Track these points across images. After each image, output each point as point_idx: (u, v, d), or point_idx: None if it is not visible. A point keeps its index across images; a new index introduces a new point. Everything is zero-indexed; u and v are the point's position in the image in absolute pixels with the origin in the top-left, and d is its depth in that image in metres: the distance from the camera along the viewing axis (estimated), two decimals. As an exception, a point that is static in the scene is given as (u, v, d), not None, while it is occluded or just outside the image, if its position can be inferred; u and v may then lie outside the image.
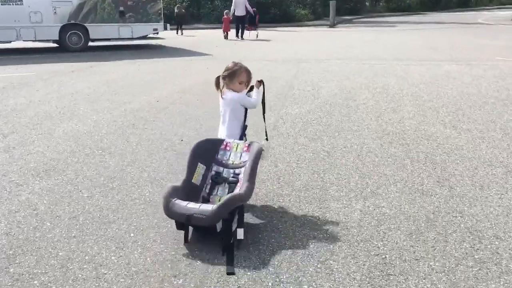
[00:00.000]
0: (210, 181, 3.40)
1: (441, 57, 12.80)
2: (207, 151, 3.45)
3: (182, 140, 5.63)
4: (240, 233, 3.06)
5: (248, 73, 3.67)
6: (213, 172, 3.43)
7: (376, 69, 10.78)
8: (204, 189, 3.37)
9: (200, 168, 3.35)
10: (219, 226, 2.98)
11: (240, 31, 20.15)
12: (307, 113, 6.94)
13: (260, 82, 3.77)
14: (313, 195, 4.03)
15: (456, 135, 5.75)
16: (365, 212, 3.72)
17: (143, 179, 4.45)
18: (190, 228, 3.16)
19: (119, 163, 4.87)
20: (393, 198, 3.97)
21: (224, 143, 3.52)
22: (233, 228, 3.05)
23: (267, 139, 4.09)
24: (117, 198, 4.01)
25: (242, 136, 3.71)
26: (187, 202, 3.02)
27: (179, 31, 22.48)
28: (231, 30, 20.29)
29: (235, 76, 3.62)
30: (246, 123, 3.75)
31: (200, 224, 2.97)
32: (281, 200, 3.93)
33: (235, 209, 3.01)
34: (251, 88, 3.80)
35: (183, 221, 2.98)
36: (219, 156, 3.48)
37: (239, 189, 3.19)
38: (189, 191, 3.23)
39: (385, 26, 26.95)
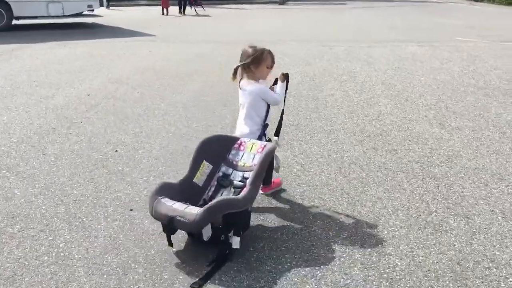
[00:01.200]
0: (216, 182, 2.97)
1: (402, 37, 11.99)
2: (217, 149, 3.02)
3: (116, 151, 4.36)
4: (236, 242, 2.62)
5: (272, 55, 3.12)
6: (220, 173, 3.01)
7: (337, 52, 9.77)
8: (207, 191, 2.96)
9: (205, 167, 2.94)
10: (206, 233, 2.58)
11: (182, 7, 18.67)
12: (269, 109, 5.79)
13: (285, 75, 3.23)
14: (290, 244, 2.91)
15: (447, 136, 4.81)
16: (368, 265, 2.66)
17: (59, 217, 3.19)
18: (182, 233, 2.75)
19: (27, 191, 3.57)
20: (399, 238, 2.95)
21: (238, 142, 3.04)
22: (229, 239, 2.62)
23: (276, 134, 3.33)
24: (16, 256, 2.74)
25: (262, 136, 3.17)
26: (174, 202, 2.62)
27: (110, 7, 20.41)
28: (170, 6, 18.74)
29: (262, 61, 3.07)
30: (267, 121, 3.20)
31: (183, 229, 2.63)
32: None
33: (231, 216, 2.55)
34: (275, 82, 3.28)
35: (165, 223, 2.59)
36: (230, 156, 3.03)
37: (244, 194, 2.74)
38: (188, 191, 2.84)
39: (336, 4, 26.10)
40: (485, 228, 3.08)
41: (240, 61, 3.09)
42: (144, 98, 6.28)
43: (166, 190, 2.72)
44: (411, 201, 3.45)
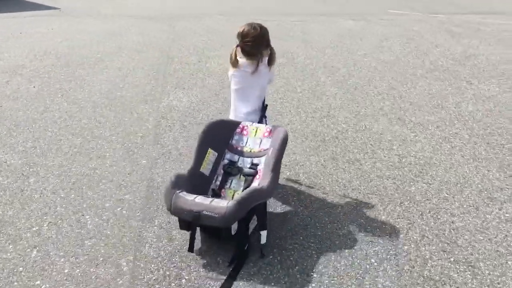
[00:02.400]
0: (222, 171, 2.70)
1: (333, 9, 11.20)
2: (220, 135, 2.73)
3: (-2, 182, 3.16)
4: (263, 237, 2.47)
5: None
6: (225, 161, 2.75)
7: (269, 28, 8.73)
8: (214, 180, 2.69)
9: (211, 155, 2.66)
10: (233, 228, 2.37)
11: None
12: (200, 105, 4.79)
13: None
14: None
15: (412, 137, 4.09)
16: None
17: None
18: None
19: None
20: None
21: (241, 126, 2.79)
22: (250, 231, 2.49)
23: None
24: None
25: (263, 119, 2.90)
26: (195, 195, 2.38)
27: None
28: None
29: (265, 39, 2.80)
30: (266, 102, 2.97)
31: (211, 224, 2.29)
32: None
33: (254, 207, 2.35)
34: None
35: (189, 220, 2.31)
36: (233, 142, 2.78)
37: (258, 183, 2.53)
38: (196, 182, 2.55)
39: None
40: (498, 284, 2.32)
41: (242, 42, 2.76)
42: (42, 95, 5.00)
43: (181, 182, 2.44)
44: (396, 242, 2.64)
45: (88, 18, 9.64)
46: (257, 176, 2.63)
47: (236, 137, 2.78)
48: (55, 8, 10.85)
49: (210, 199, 2.36)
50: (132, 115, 4.51)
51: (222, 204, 2.26)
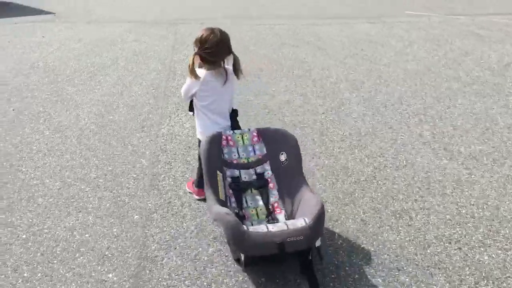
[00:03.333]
0: (230, 191, 2.44)
1: (347, 10, 10.37)
2: (215, 152, 2.45)
3: None
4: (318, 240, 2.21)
5: None
6: (228, 179, 2.46)
7: (279, 33, 7.98)
8: (229, 203, 2.39)
9: (220, 177, 2.38)
10: None
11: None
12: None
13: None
14: None
15: (467, 176, 3.35)
16: None
17: None
18: None
19: None
20: None
21: (224, 137, 2.52)
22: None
23: None
24: None
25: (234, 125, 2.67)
26: (263, 225, 2.17)
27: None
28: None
29: (226, 45, 2.50)
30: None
31: (298, 249, 2.11)
32: None
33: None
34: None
35: (275, 252, 2.05)
36: (225, 156, 2.51)
37: (276, 191, 2.44)
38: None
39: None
40: None
41: (202, 49, 2.45)
42: (21, 121, 4.23)
43: (237, 220, 2.12)
44: None
45: (84, 24, 8.85)
46: (271, 185, 2.46)
47: (225, 150, 2.53)
48: (49, 13, 10.06)
49: (279, 224, 2.17)
50: (125, 147, 3.73)
51: (301, 224, 2.10)
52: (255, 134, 2.53)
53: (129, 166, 3.44)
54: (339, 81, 5.42)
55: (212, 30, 2.45)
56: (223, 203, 2.29)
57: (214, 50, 2.41)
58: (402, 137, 3.97)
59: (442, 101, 4.78)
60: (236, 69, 2.53)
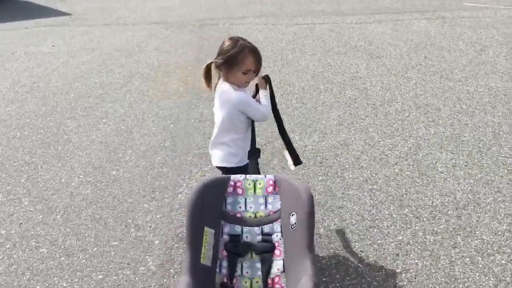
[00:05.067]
0: (225, 253, 1.81)
1: (395, 3, 8.87)
2: (211, 203, 1.83)
3: None
4: None
5: (256, 56, 2.09)
6: (225, 237, 1.85)
7: (321, 34, 6.70)
8: (218, 269, 1.79)
9: (208, 235, 1.78)
10: None
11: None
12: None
13: (266, 79, 2.20)
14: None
15: None
16: None
17: None
18: None
19: None
20: None
21: (232, 183, 1.89)
22: None
23: (296, 163, 2.25)
24: None
25: (247, 166, 2.11)
26: None
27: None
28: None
29: (236, 63, 2.06)
30: (255, 144, 2.12)
31: None
32: None
33: None
34: (256, 89, 2.25)
35: None
36: (228, 207, 1.88)
37: (282, 262, 1.78)
38: (200, 280, 1.68)
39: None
40: None
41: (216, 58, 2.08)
42: (3, 170, 3.14)
43: None
44: None
45: (102, 27, 7.75)
46: (277, 252, 1.78)
47: (229, 199, 1.88)
48: (66, 14, 9.02)
49: None
50: (125, 232, 2.61)
51: None
52: (271, 182, 1.89)
53: (127, 272, 2.30)
54: (407, 108, 4.15)
55: (230, 40, 2.15)
56: (205, 270, 1.73)
57: (224, 61, 2.09)
58: (510, 205, 2.69)
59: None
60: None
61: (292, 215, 1.76)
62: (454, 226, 2.60)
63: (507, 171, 3.11)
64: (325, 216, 2.72)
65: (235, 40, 2.10)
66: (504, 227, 2.57)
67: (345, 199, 2.87)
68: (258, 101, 2.18)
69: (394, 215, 2.70)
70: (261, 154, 2.23)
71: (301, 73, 5.11)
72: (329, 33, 6.81)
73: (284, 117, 2.32)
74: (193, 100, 4.49)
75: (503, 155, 3.31)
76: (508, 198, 2.81)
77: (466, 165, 3.20)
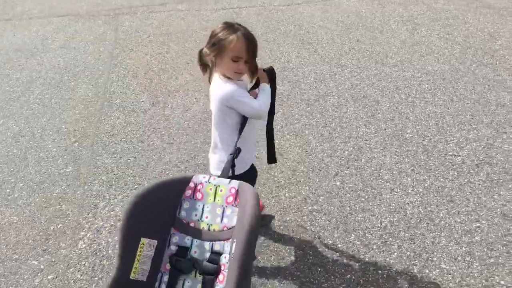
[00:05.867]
0: (168, 266, 1.60)
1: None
2: (160, 207, 1.60)
3: None
4: None
5: (247, 42, 1.80)
6: (172, 248, 1.62)
7: (248, 20, 6.13)
8: (158, 284, 1.59)
9: (145, 247, 1.56)
10: None
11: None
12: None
13: (269, 71, 1.98)
14: None
15: None
16: None
17: None
18: None
19: None
20: None
21: (192, 185, 1.64)
22: None
23: (270, 161, 2.13)
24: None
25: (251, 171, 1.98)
26: None
27: None
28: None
29: (224, 47, 1.80)
30: (243, 144, 1.85)
31: None
32: None
33: None
34: (256, 83, 2.00)
35: None
36: (182, 213, 1.64)
37: None
38: None
39: None
40: None
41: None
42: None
43: None
44: None
45: (2, 23, 6.75)
46: (220, 277, 1.50)
47: (185, 204, 1.62)
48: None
49: None
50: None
51: None
52: (233, 191, 1.58)
53: None
54: (344, 102, 3.74)
55: (223, 24, 1.85)
56: (136, 286, 1.49)
57: (211, 47, 1.81)
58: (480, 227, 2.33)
59: (497, 127, 3.15)
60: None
61: (234, 241, 1.47)
62: (408, 253, 2.20)
63: (457, 174, 2.76)
64: (258, 253, 2.24)
65: (229, 24, 1.85)
66: (463, 249, 2.20)
67: (282, 228, 2.40)
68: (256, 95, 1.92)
69: (339, 245, 2.26)
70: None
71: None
72: (257, 17, 6.28)
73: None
74: (104, 108, 3.84)
75: (450, 154, 2.97)
76: (463, 209, 2.46)
77: (413, 169, 2.84)
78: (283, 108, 3.70)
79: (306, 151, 3.11)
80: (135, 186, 2.78)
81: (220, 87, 1.84)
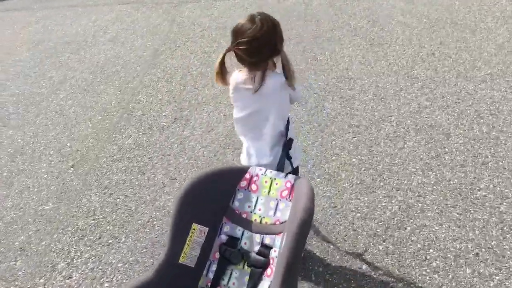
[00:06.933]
0: (218, 255, 1.59)
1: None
2: (213, 196, 1.58)
3: None
4: None
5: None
6: (223, 237, 1.61)
7: (317, 12, 5.33)
8: (205, 273, 1.58)
9: (196, 233, 1.56)
10: None
11: None
12: None
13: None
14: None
15: None
16: None
17: None
18: None
19: None
20: None
21: (247, 176, 1.63)
22: None
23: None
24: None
25: (284, 160, 1.70)
26: None
27: None
28: None
29: (272, 42, 1.64)
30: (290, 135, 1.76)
31: None
32: None
33: None
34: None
35: None
36: (236, 204, 1.62)
37: (267, 286, 1.46)
38: (172, 282, 1.47)
39: None
40: None
41: (242, 45, 1.58)
42: None
43: None
44: None
45: (66, 10, 6.59)
46: (268, 271, 1.48)
47: (239, 195, 1.61)
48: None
49: None
50: None
51: None
52: (289, 185, 1.53)
53: None
54: (404, 132, 2.90)
55: (253, 19, 1.58)
56: (184, 271, 1.48)
57: (252, 46, 1.55)
58: None
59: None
60: (287, 75, 1.61)
61: (285, 235, 1.40)
62: None
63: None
64: None
65: (256, 15, 1.62)
66: None
67: None
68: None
69: None
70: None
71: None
72: (327, 9, 5.45)
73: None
74: (120, 122, 3.37)
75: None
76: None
77: (477, 253, 1.97)
78: (323, 136, 2.94)
79: (335, 207, 2.35)
80: (109, 241, 2.25)
81: (278, 79, 1.65)
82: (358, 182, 2.57)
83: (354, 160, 2.76)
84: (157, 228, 2.33)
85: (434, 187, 2.46)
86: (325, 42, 4.47)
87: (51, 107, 3.72)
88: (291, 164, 1.73)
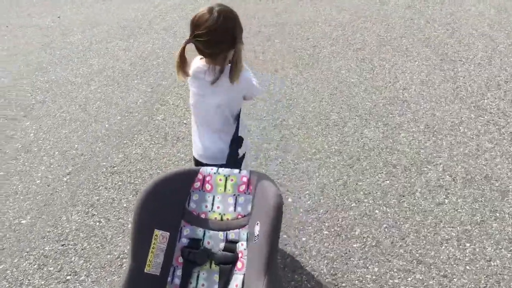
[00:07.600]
0: (181, 260, 1.53)
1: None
2: (170, 200, 1.55)
3: None
4: None
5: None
6: (184, 241, 1.55)
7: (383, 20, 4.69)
8: (170, 278, 1.51)
9: (159, 239, 1.51)
10: None
11: None
12: None
13: None
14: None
15: None
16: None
17: None
18: None
19: None
20: None
21: (200, 177, 1.60)
22: None
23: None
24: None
25: (233, 158, 1.71)
26: None
27: None
28: None
29: (229, 33, 1.63)
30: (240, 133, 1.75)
31: None
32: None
33: None
34: None
35: None
36: (192, 205, 1.59)
37: (242, 278, 1.44)
38: None
39: None
40: None
41: (200, 37, 1.53)
42: None
43: None
44: None
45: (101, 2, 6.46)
46: (239, 265, 1.44)
47: (194, 196, 1.57)
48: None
49: None
50: None
51: None
52: (245, 179, 1.55)
53: None
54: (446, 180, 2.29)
55: (210, 10, 1.55)
56: (151, 280, 1.42)
57: (209, 38, 1.52)
58: None
59: None
60: (232, 69, 1.58)
61: (257, 224, 1.43)
62: None
63: None
64: None
65: (215, 7, 1.56)
66: None
67: None
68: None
69: None
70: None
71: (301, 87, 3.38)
72: (403, 11, 4.81)
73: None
74: (137, 126, 3.10)
75: None
76: None
77: None
78: (350, 174, 2.44)
79: (333, 275, 1.88)
80: (67, 277, 1.96)
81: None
82: (374, 244, 2.05)
83: (377, 212, 2.24)
84: (123, 268, 2.01)
85: (467, 267, 1.89)
86: (389, 52, 3.88)
87: (78, 100, 3.53)
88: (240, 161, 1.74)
